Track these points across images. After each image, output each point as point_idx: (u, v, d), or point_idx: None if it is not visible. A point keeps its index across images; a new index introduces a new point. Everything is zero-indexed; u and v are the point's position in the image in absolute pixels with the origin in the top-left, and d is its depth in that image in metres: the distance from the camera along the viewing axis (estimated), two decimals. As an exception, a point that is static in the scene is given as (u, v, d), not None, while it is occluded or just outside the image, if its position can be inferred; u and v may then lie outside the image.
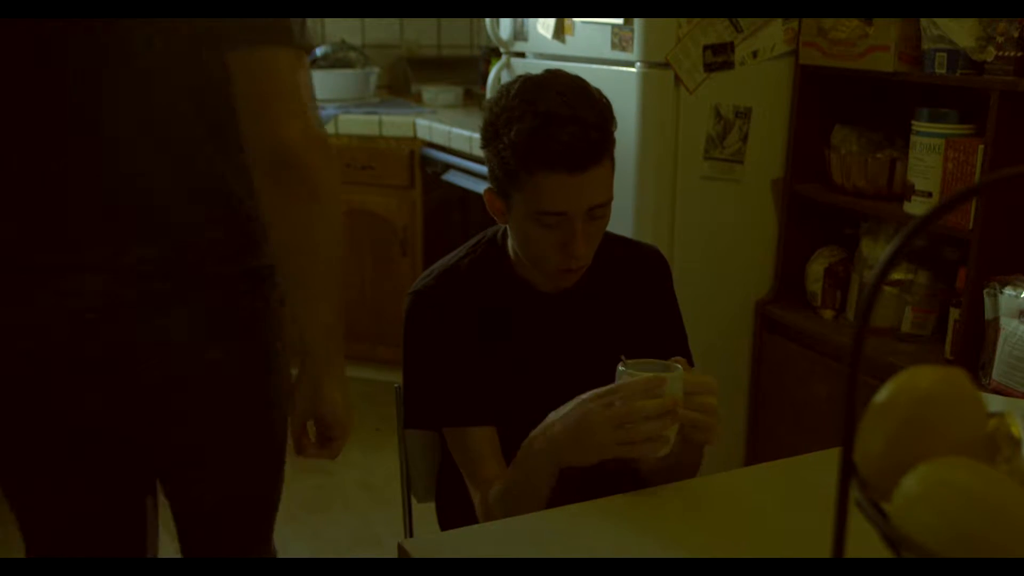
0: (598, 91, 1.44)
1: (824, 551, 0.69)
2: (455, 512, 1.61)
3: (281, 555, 2.71)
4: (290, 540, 2.80)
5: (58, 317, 1.29)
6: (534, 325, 1.55)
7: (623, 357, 1.35)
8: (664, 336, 1.62)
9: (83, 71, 1.25)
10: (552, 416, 1.37)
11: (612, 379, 1.35)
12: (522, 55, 2.95)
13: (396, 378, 1.74)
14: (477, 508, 1.48)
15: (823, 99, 2.58)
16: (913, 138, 2.27)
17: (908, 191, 2.28)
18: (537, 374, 1.54)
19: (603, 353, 1.56)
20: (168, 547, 1.66)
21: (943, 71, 2.20)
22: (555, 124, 1.36)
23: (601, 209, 1.44)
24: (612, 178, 1.45)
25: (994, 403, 1.29)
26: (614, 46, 2.53)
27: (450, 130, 3.37)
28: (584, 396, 1.33)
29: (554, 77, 1.44)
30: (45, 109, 1.28)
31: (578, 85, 1.43)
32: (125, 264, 1.30)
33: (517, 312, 1.54)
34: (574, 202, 1.40)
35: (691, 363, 1.63)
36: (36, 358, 1.32)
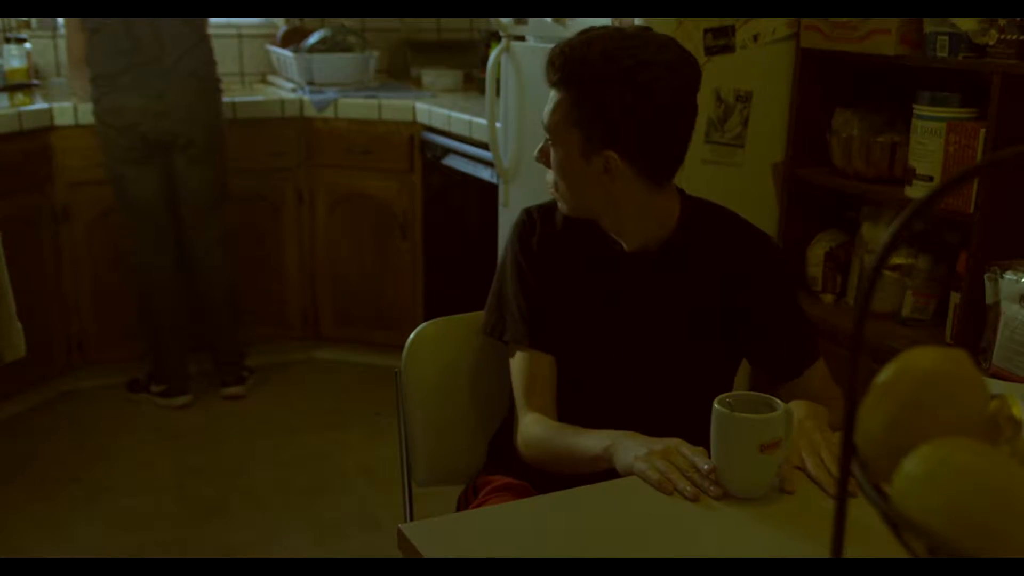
0: (653, 65, 1.45)
1: (824, 535, 0.69)
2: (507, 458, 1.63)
3: (281, 539, 2.72)
4: (290, 524, 2.81)
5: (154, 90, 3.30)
6: (611, 279, 1.59)
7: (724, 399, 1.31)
8: (776, 331, 1.62)
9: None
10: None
11: (685, 343, 1.39)
12: (522, 39, 2.93)
13: (395, 363, 1.73)
14: (519, 430, 1.56)
15: (824, 83, 2.57)
16: (914, 122, 2.26)
17: (909, 175, 2.27)
18: (604, 325, 1.59)
19: (674, 318, 1.60)
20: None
21: (945, 54, 2.19)
22: (563, 41, 1.51)
23: (552, 136, 1.53)
24: (567, 124, 1.50)
25: (994, 388, 1.29)
26: (614, 29, 2.52)
27: (450, 114, 3.36)
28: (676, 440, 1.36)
29: (633, 27, 1.52)
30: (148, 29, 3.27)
31: (627, 38, 1.47)
32: (184, 70, 3.31)
33: (598, 264, 1.60)
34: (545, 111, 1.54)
35: (812, 358, 1.62)
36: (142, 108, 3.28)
